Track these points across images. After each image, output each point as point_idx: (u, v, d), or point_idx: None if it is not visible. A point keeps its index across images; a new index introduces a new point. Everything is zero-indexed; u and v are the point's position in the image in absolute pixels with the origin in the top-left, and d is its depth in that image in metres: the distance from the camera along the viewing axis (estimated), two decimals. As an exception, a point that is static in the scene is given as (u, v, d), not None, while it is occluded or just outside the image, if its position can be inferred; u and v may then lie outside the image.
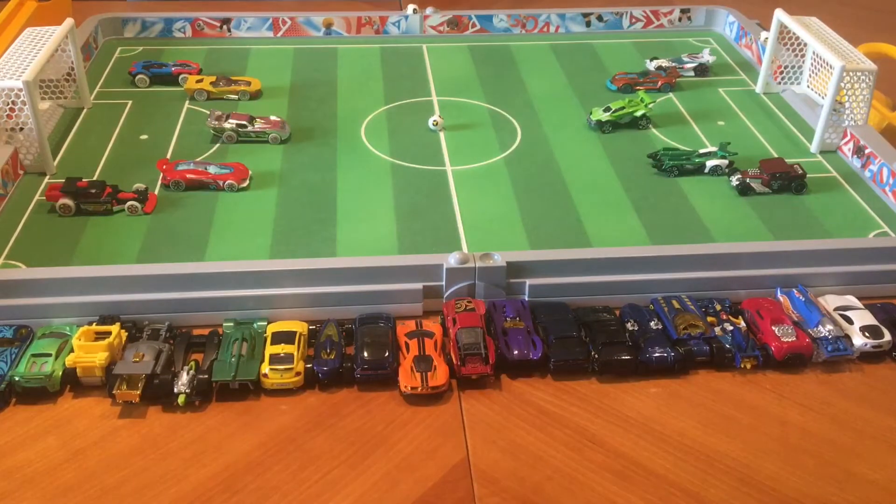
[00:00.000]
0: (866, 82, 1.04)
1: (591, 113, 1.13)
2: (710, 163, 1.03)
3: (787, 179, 0.99)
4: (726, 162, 1.03)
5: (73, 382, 0.73)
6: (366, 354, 0.74)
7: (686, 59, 1.28)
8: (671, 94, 1.23)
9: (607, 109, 1.13)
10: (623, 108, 1.12)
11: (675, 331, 0.78)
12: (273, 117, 1.10)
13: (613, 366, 0.75)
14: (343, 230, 0.92)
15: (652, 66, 1.28)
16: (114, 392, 0.70)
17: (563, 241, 0.90)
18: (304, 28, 1.39)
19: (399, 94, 1.22)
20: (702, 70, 1.27)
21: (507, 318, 0.78)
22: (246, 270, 0.79)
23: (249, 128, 1.08)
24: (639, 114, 1.12)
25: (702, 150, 1.05)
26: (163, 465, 0.66)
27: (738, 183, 1.00)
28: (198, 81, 1.18)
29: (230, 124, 1.08)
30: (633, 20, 1.45)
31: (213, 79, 1.19)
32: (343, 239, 0.90)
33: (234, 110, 1.13)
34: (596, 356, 0.75)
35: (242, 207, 0.95)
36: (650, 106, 1.12)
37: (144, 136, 1.10)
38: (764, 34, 1.26)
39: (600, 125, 1.12)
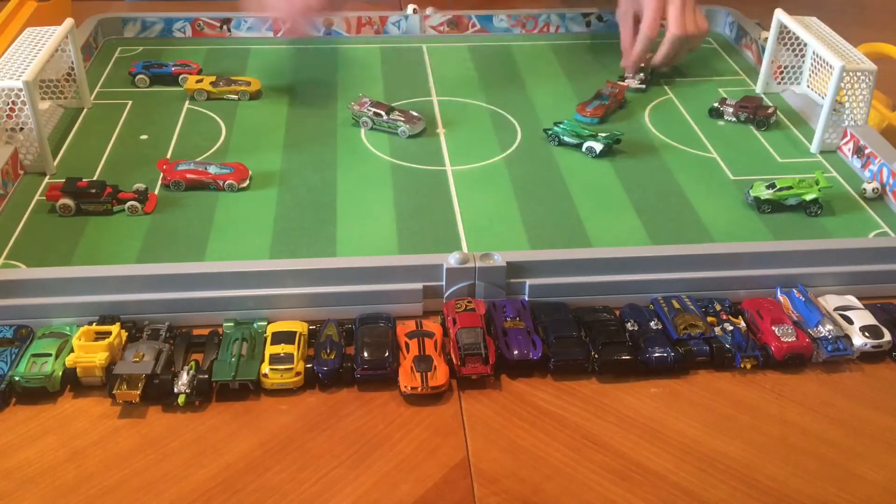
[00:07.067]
0: (866, 82, 1.04)
1: (750, 187, 0.97)
2: (587, 143, 1.06)
3: (752, 113, 1.13)
4: (601, 146, 1.05)
5: (73, 382, 0.73)
6: (366, 354, 0.74)
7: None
8: (671, 94, 1.23)
9: (771, 186, 0.96)
10: (791, 187, 0.95)
11: (675, 331, 0.78)
12: (413, 112, 1.12)
13: (613, 366, 0.75)
14: (343, 230, 0.92)
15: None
16: (114, 392, 0.70)
17: (563, 241, 0.90)
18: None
19: (399, 94, 1.22)
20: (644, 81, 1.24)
21: (507, 318, 0.78)
22: (246, 270, 0.79)
23: (385, 118, 1.10)
24: (809, 197, 0.95)
25: (599, 133, 1.08)
26: (163, 465, 0.66)
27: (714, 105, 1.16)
28: (198, 81, 1.19)
29: (368, 111, 1.11)
30: (633, 20, 1.45)
31: (213, 79, 1.19)
32: (343, 239, 0.90)
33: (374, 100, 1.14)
34: (596, 356, 0.75)
35: (242, 207, 0.95)
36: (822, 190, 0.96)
37: (144, 136, 1.10)
38: (764, 34, 1.26)
39: (759, 203, 0.96)
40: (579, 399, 0.73)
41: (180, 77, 1.21)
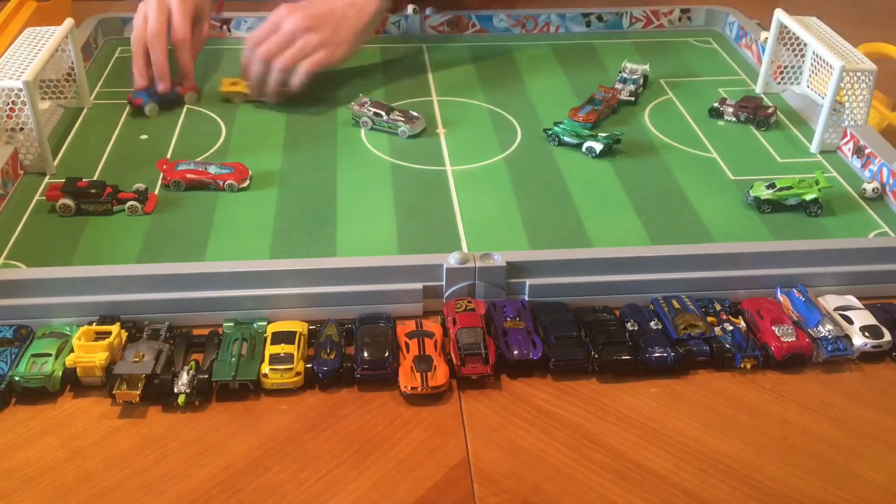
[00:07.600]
0: (866, 82, 1.04)
1: (751, 187, 0.97)
2: (587, 143, 1.07)
3: (752, 113, 1.14)
4: (601, 146, 1.06)
5: (73, 382, 0.73)
6: (366, 354, 0.74)
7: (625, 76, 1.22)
8: (671, 94, 1.23)
9: (771, 186, 0.96)
10: (791, 187, 0.95)
11: (675, 331, 0.78)
12: (413, 112, 1.12)
13: (613, 366, 0.75)
14: (343, 230, 0.92)
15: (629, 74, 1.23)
16: (114, 392, 0.70)
17: (563, 241, 0.90)
18: (304, 28, 1.39)
19: (399, 94, 1.22)
20: (635, 91, 1.21)
21: (507, 318, 0.78)
22: (246, 270, 0.79)
23: (385, 118, 1.10)
24: (809, 197, 0.95)
25: (599, 133, 1.08)
26: (163, 465, 0.66)
27: (714, 105, 1.17)
28: (232, 84, 1.18)
29: (368, 111, 1.11)
30: (633, 20, 1.45)
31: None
32: (343, 239, 0.90)
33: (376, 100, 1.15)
34: (596, 356, 0.75)
35: (242, 207, 0.95)
36: (823, 190, 0.95)
37: (144, 136, 1.10)
38: (764, 34, 1.26)
39: (759, 203, 0.96)
40: (579, 399, 0.73)
41: (186, 95, 1.17)
